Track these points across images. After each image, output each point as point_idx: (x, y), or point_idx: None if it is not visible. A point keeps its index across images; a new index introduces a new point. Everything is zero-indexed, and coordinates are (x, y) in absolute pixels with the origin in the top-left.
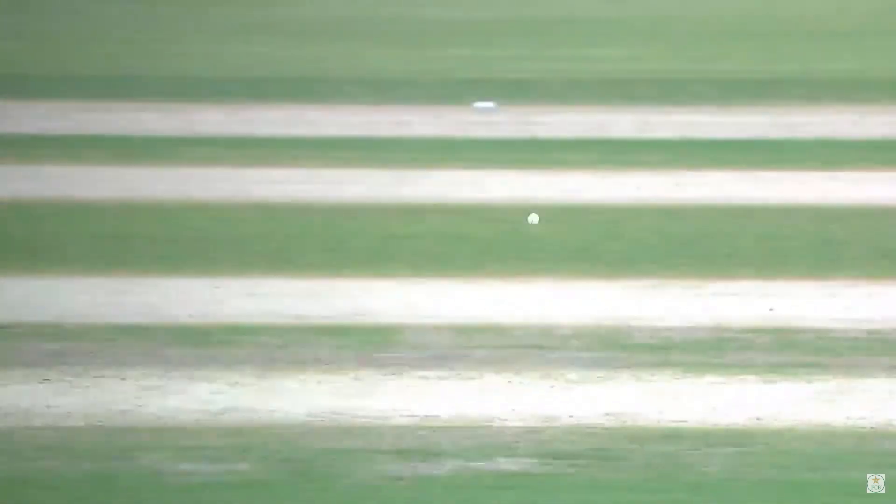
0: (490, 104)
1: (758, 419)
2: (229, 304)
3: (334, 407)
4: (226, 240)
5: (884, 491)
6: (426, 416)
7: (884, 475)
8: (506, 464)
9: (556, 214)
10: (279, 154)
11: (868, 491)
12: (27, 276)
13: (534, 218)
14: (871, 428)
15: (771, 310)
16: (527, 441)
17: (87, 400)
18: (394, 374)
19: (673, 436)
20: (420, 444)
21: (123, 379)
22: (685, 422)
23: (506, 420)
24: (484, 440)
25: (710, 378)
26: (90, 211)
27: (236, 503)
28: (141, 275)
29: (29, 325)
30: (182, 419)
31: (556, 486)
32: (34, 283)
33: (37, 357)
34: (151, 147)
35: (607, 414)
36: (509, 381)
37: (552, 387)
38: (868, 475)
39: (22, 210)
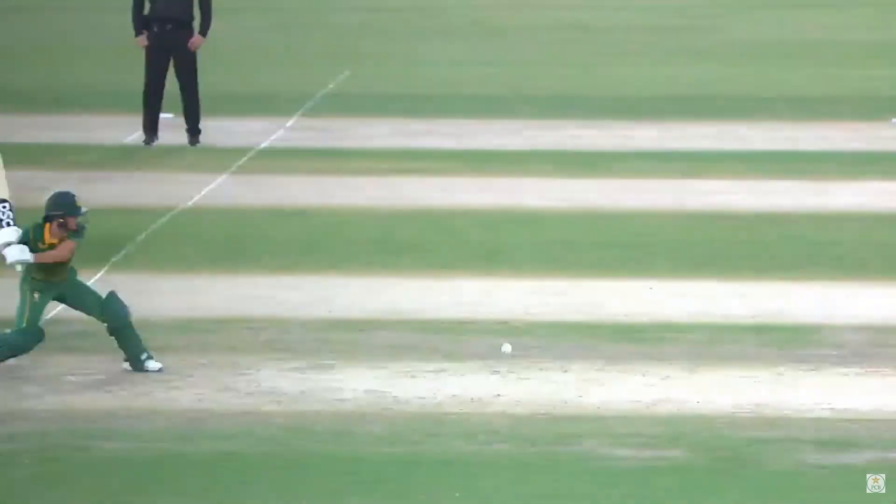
0: None
1: None
2: (662, 303)
3: (758, 400)
4: (658, 244)
5: (884, 491)
6: (845, 409)
7: (884, 475)
8: None
9: None
10: (710, 166)
11: (868, 491)
12: (482, 277)
13: (507, 348)
14: None
15: None
16: None
17: (533, 390)
18: (814, 370)
19: None
20: (839, 435)
21: (566, 371)
22: None
23: None
24: None
25: None
26: (538, 218)
27: (668, 486)
28: (582, 276)
29: (481, 321)
30: (618, 409)
31: None
32: (487, 283)
33: (488, 350)
34: (591, 161)
35: None
36: None
37: None
38: (868, 475)
39: (476, 217)
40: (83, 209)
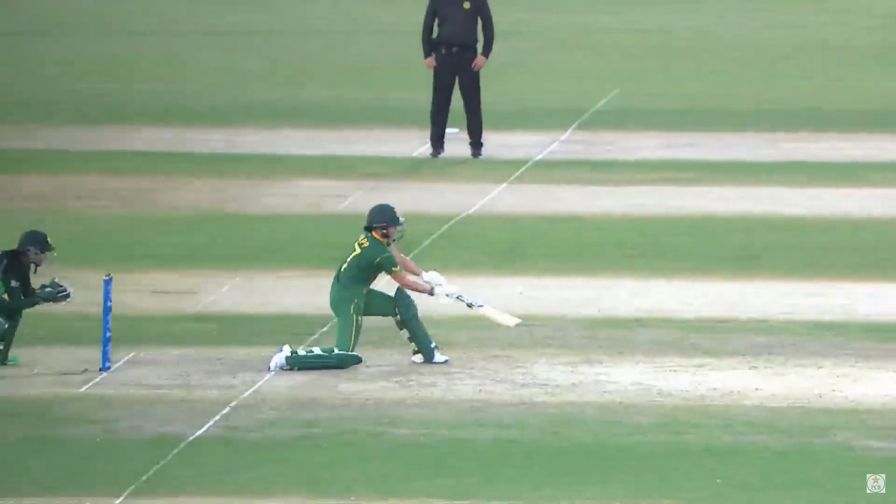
0: None
1: None
2: None
3: None
4: None
5: (884, 491)
6: None
7: (884, 475)
8: None
9: None
10: None
11: (868, 491)
12: (740, 279)
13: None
14: None
15: None
16: None
17: (789, 384)
18: None
19: None
20: None
21: (820, 367)
22: None
23: None
24: None
25: None
26: (794, 225)
27: None
28: (835, 278)
29: (740, 321)
30: (870, 403)
31: None
32: (745, 284)
33: (747, 347)
34: (845, 171)
35: None
36: None
37: None
38: (868, 475)
39: (735, 224)
40: (401, 220)
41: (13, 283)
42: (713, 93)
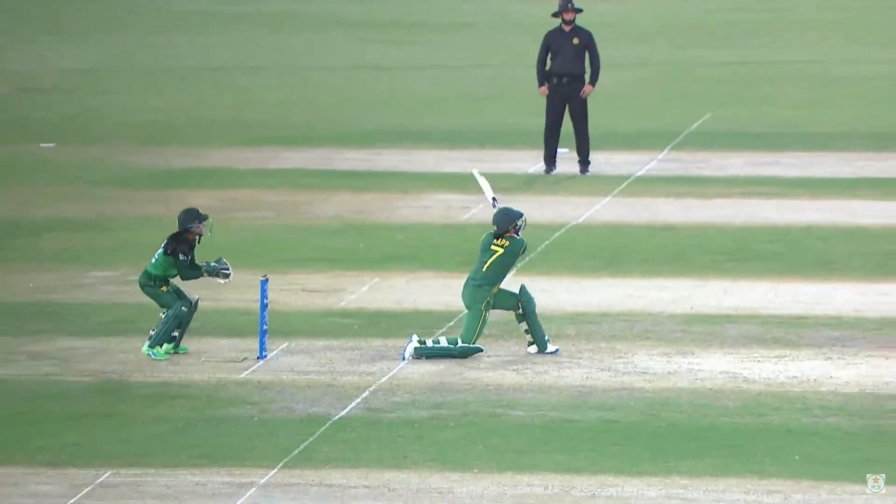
0: None
1: None
2: None
3: None
4: None
5: (884, 491)
6: None
7: (884, 475)
8: None
9: None
10: None
11: (868, 491)
12: (817, 281)
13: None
14: None
15: None
16: None
17: (860, 373)
18: None
19: None
20: None
21: (887, 358)
22: None
23: None
24: None
25: None
26: (866, 233)
27: None
28: None
29: (817, 317)
30: None
31: None
32: (821, 285)
33: (822, 340)
34: None
35: None
36: None
37: None
38: (868, 475)
39: (812, 232)
40: (522, 212)
41: (181, 257)
42: (794, 117)
